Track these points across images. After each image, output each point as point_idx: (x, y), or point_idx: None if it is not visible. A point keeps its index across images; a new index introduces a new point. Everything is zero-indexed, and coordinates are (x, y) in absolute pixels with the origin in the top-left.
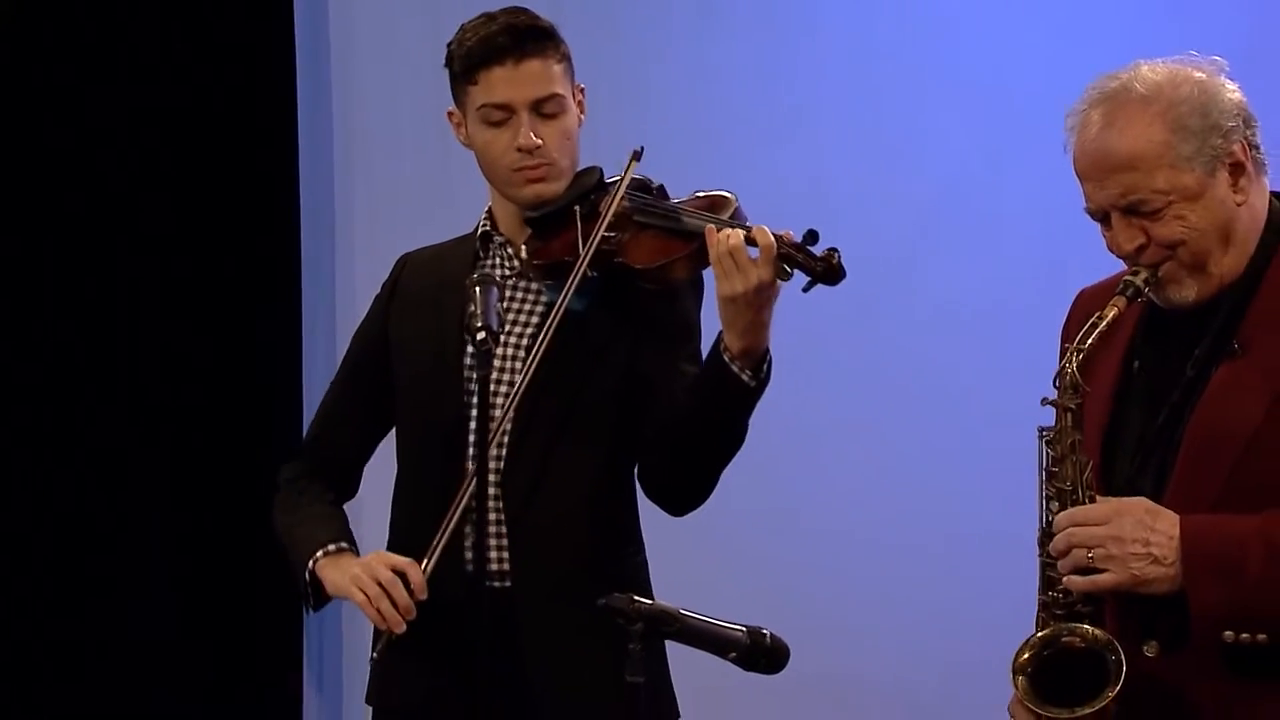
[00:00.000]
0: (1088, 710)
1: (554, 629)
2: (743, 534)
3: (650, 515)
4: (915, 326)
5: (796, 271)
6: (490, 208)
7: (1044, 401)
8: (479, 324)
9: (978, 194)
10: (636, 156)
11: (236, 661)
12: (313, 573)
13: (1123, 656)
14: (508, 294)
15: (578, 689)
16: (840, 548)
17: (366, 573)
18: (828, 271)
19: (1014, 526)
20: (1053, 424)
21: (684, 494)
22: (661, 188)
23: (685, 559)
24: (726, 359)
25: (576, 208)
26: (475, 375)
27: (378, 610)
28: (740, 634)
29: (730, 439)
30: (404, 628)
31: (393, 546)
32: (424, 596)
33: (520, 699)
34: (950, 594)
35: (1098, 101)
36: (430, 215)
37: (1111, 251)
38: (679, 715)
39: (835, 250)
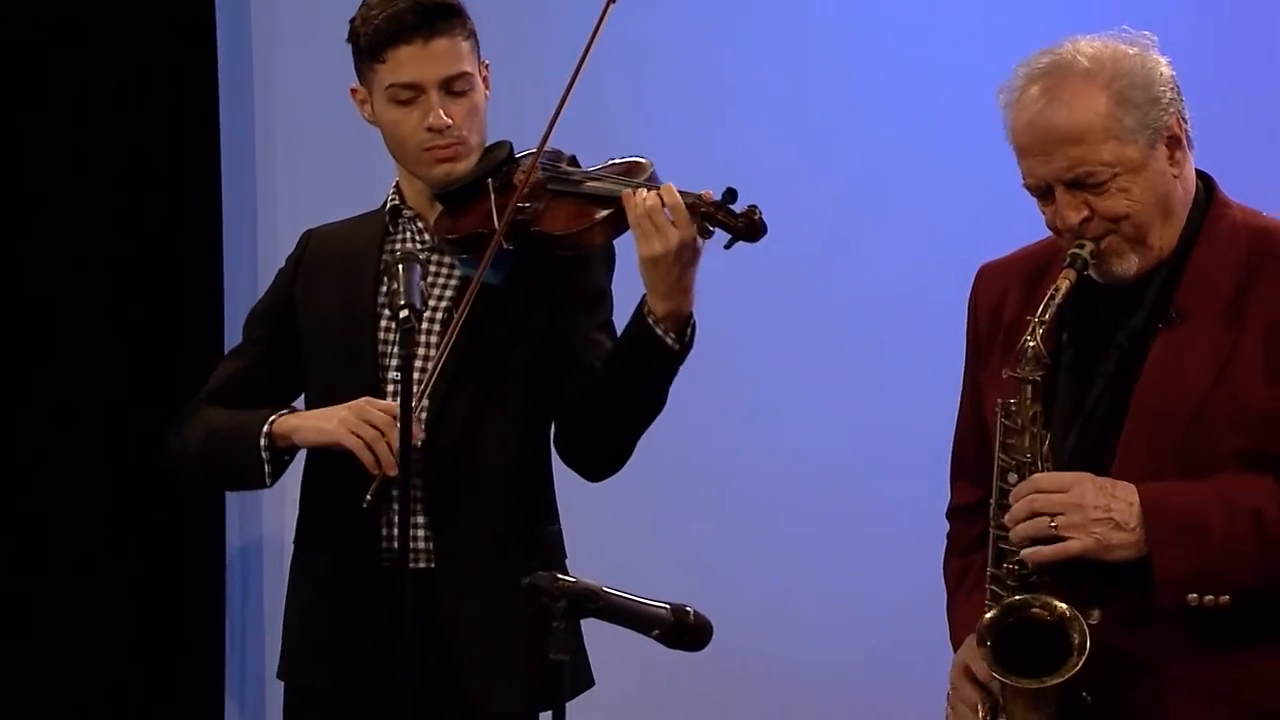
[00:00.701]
0: (1055, 680)
1: (476, 606)
2: (668, 512)
3: (577, 494)
4: (843, 307)
5: (718, 230)
6: (397, 182)
7: (1006, 375)
8: (402, 301)
9: (905, 177)
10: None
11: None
12: (269, 436)
13: (1087, 626)
14: None
15: (499, 665)
16: (765, 527)
17: (358, 415)
18: (749, 228)
19: (936, 506)
20: (1013, 396)
21: (603, 460)
22: (573, 158)
23: (611, 537)
24: (650, 322)
25: (490, 180)
26: (395, 352)
27: (373, 454)
28: (664, 611)
29: (651, 404)
30: (396, 471)
31: (303, 519)
32: (423, 438)
33: (441, 677)
34: (871, 572)
35: (1037, 76)
36: (354, 209)
37: (1052, 227)
38: (594, 683)
39: (755, 207)
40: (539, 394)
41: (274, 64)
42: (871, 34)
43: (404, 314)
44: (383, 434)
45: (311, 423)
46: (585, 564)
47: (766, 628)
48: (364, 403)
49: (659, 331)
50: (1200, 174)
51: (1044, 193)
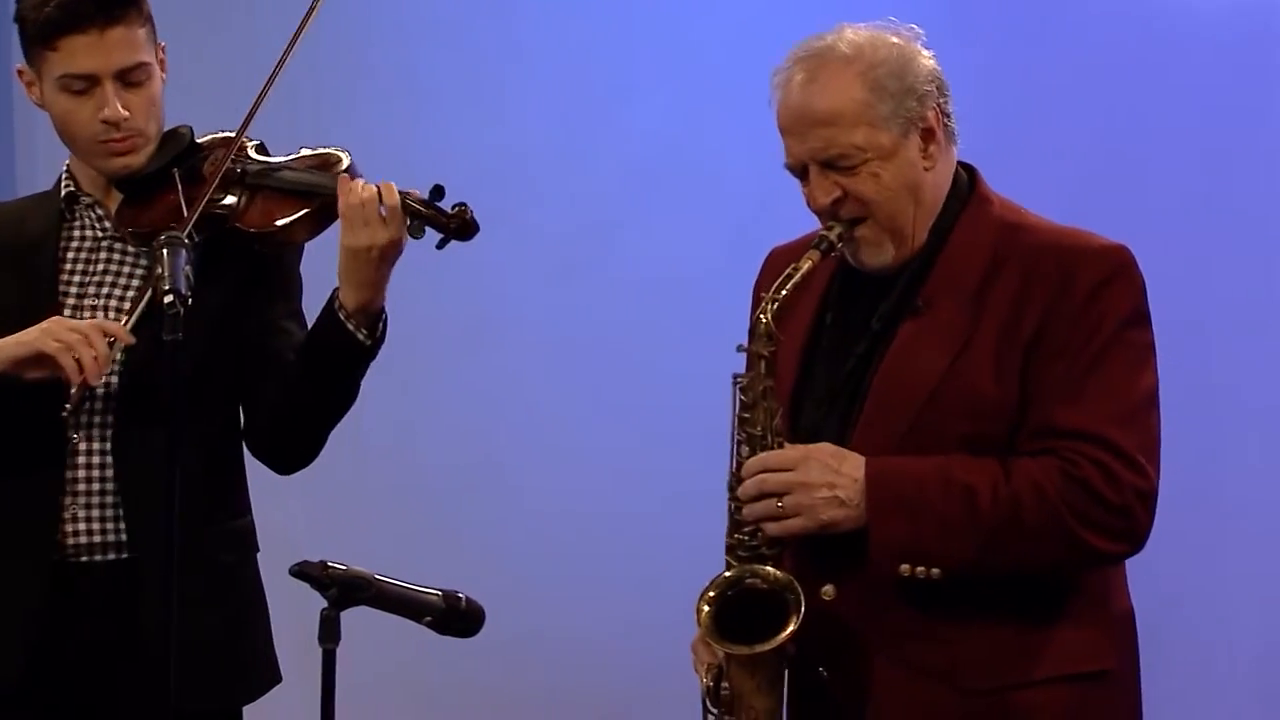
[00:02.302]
0: (765, 647)
1: (171, 599)
2: (439, 497)
3: (341, 478)
4: (617, 290)
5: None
6: (69, 167)
7: (739, 348)
8: (166, 287)
9: (679, 159)
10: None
11: None
12: None
13: (801, 596)
14: (103, 256)
15: (196, 656)
16: (539, 511)
17: (59, 325)
18: (461, 227)
19: (710, 485)
20: (746, 371)
21: (292, 453)
22: (261, 145)
23: (381, 523)
24: (342, 317)
25: (176, 170)
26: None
27: (76, 360)
28: (435, 598)
29: (342, 398)
30: (101, 379)
31: None
32: (131, 340)
33: (137, 671)
34: (644, 554)
35: (802, 59)
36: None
37: (810, 207)
38: (280, 679)
39: (465, 205)
40: (232, 385)
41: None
42: (645, 13)
43: (168, 299)
44: (87, 338)
45: (7, 341)
46: (356, 552)
47: (540, 612)
48: (55, 319)
49: (350, 327)
50: (965, 167)
51: (802, 172)
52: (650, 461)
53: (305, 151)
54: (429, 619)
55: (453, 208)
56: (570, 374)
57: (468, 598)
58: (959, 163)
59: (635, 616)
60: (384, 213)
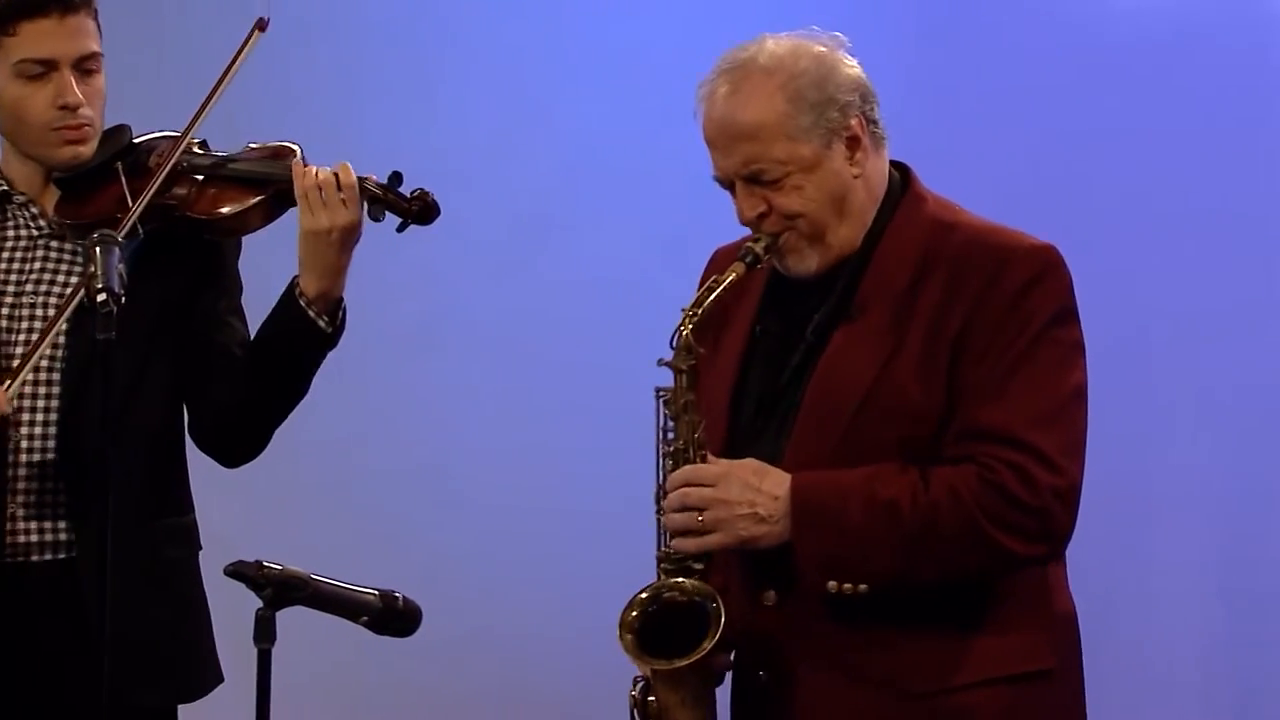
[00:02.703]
0: (683, 662)
1: (116, 597)
2: (378, 496)
3: (288, 480)
4: (554, 288)
5: (388, 214)
6: (0, 168)
7: (660, 362)
8: (99, 285)
9: (616, 157)
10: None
11: None
12: None
13: (721, 607)
14: (39, 255)
15: (140, 653)
16: (478, 508)
17: None
18: (423, 210)
19: (651, 485)
20: (670, 385)
21: (242, 447)
22: (204, 143)
23: (322, 523)
24: (303, 304)
25: (119, 164)
26: (97, 337)
27: None
28: (372, 598)
29: (296, 389)
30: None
31: None
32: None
33: (86, 669)
34: (583, 552)
35: (725, 72)
36: None
37: (739, 219)
38: (223, 679)
39: (425, 190)
40: (173, 381)
41: None
42: (581, 11)
43: (101, 298)
44: None
45: None
46: (295, 552)
47: (479, 613)
48: None
49: (312, 314)
50: (898, 166)
51: (729, 185)
52: (591, 460)
53: (253, 145)
54: (365, 619)
55: (412, 193)
56: (510, 374)
57: (405, 597)
58: (892, 162)
59: (575, 617)
60: (342, 195)
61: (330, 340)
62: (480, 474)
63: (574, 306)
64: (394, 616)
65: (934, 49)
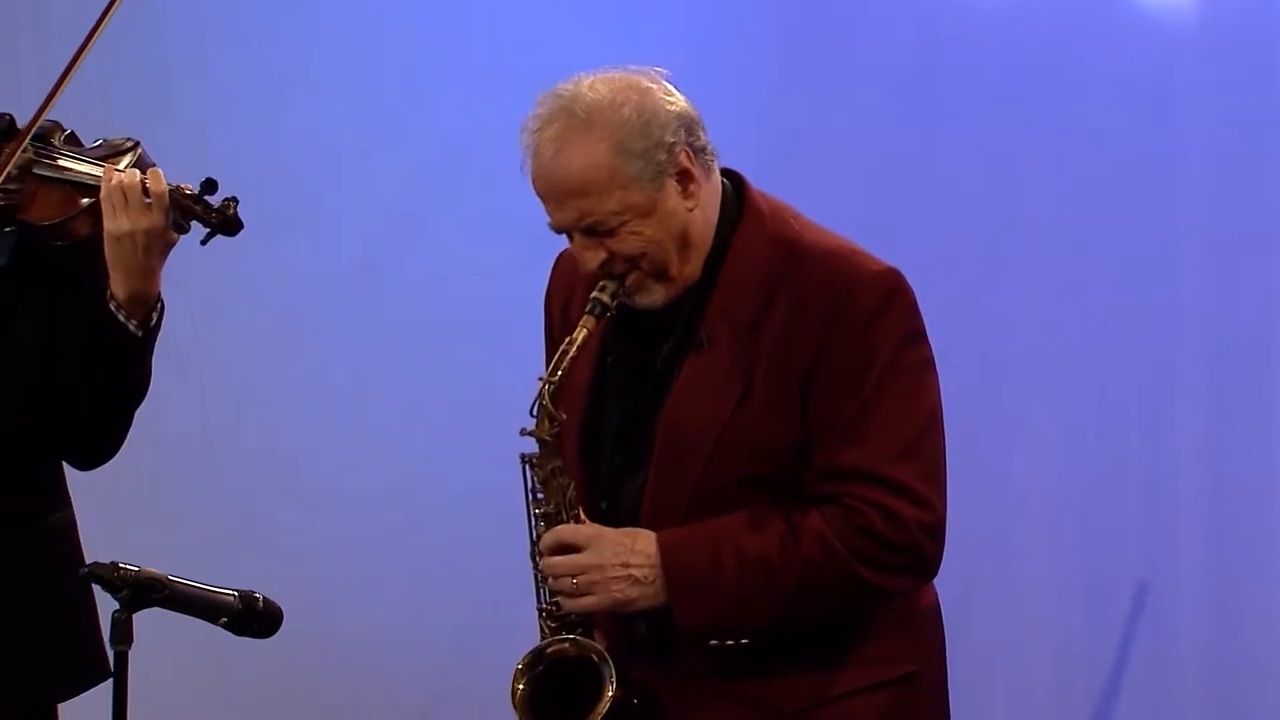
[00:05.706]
0: None
1: None
2: (240, 497)
3: (148, 480)
4: (416, 288)
5: (194, 223)
6: None
7: (523, 432)
8: None
9: (477, 157)
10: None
11: None
12: None
13: (612, 667)
14: None
15: (6, 654)
16: (341, 509)
17: None
18: (224, 222)
19: (512, 484)
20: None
21: (90, 449)
22: (73, 134)
23: (183, 524)
24: (113, 308)
25: None
26: None
27: None
28: (231, 599)
29: (128, 390)
30: None
31: None
32: None
33: None
34: (446, 551)
35: (548, 121)
36: None
37: (581, 269)
38: (111, 673)
39: (232, 200)
40: (39, 380)
41: None
42: (443, 7)
43: None
44: None
45: None
46: (152, 553)
47: (341, 613)
48: None
49: (120, 317)
50: (730, 175)
51: (567, 235)
52: (452, 460)
53: (102, 141)
54: (224, 620)
55: (221, 202)
56: (370, 372)
57: (265, 598)
58: (723, 170)
59: (437, 617)
60: (148, 200)
61: (140, 343)
62: (342, 475)
63: (432, 307)
64: (254, 617)
65: (800, 45)
